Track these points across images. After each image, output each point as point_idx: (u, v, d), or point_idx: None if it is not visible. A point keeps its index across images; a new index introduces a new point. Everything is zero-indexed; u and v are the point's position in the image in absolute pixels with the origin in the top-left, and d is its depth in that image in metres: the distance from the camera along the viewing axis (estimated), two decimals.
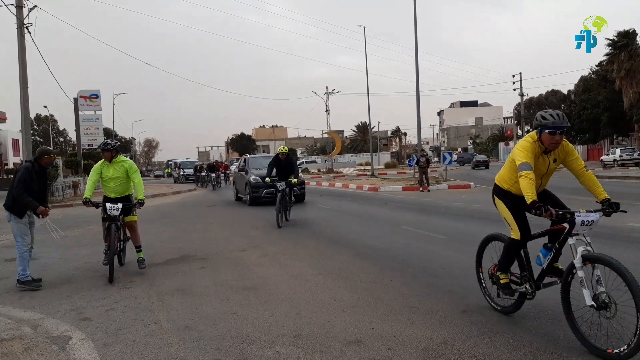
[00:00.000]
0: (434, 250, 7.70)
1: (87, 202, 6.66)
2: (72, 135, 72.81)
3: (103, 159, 6.81)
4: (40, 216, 6.15)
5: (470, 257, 7.03)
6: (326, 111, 57.75)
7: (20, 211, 6.09)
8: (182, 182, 39.41)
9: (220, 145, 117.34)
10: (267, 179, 11.59)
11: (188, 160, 50.92)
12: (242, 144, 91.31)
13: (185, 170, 41.67)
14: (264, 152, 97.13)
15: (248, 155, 19.53)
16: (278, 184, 10.97)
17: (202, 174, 32.54)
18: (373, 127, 63.06)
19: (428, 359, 3.57)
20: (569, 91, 63.53)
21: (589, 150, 51.13)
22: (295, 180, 11.77)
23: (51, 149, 6.67)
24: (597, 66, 42.51)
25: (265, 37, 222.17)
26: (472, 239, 8.57)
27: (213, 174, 29.48)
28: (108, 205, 6.52)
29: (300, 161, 69.85)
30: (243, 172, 17.55)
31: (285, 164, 11.64)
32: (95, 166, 6.94)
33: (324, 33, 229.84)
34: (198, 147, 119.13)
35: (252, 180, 16.06)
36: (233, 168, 36.09)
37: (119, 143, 7.09)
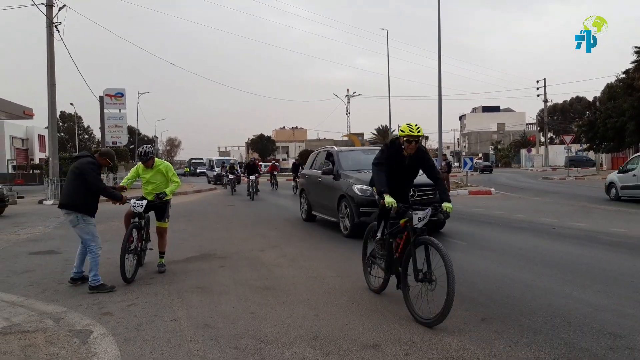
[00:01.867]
0: (454, 256, 7.56)
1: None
2: (96, 133, 74.17)
3: (140, 163, 6.86)
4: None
5: (491, 263, 6.98)
6: (347, 114, 57.77)
7: (94, 210, 6.01)
8: (224, 184, 30.62)
9: (241, 146, 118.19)
10: (373, 193, 5.44)
11: (226, 159, 43.31)
12: (262, 144, 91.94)
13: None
14: (286, 154, 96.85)
15: (335, 148, 12.15)
16: (416, 217, 4.67)
17: (231, 176, 25.76)
18: (393, 131, 62.76)
19: None
20: (594, 98, 62.44)
21: (614, 158, 50.11)
22: (450, 207, 5.03)
23: (114, 156, 6.64)
24: (623, 73, 41.70)
25: (286, 38, 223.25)
26: (493, 245, 8.50)
27: (252, 177, 21.28)
28: (133, 200, 6.47)
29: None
30: (330, 177, 10.53)
31: (409, 164, 5.34)
32: (134, 168, 7.00)
33: (345, 35, 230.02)
34: (219, 147, 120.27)
35: (356, 192, 9.11)
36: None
37: (152, 147, 7.08)
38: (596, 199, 17.92)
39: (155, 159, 6.88)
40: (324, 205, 11.19)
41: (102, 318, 4.78)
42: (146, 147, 6.89)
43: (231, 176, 25.74)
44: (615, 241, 8.62)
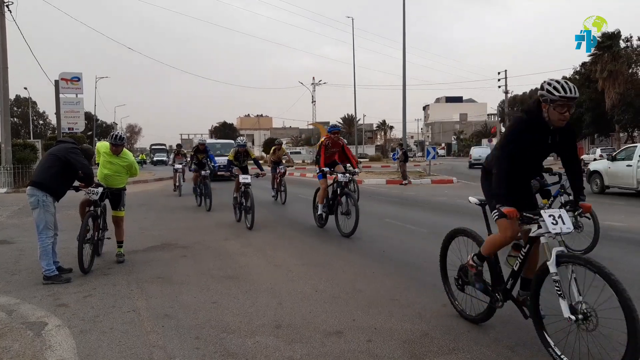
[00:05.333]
0: (416, 243, 7.74)
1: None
2: (51, 118, 71.52)
3: (109, 145, 6.59)
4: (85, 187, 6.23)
5: (451, 252, 7.09)
6: (312, 102, 57.59)
7: (61, 194, 5.91)
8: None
9: (204, 133, 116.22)
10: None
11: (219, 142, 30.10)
12: (225, 132, 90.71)
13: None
14: (252, 142, 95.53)
15: None
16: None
17: (204, 172, 13.31)
18: (359, 120, 63.10)
19: (408, 352, 3.59)
20: None
21: None
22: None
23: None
24: (580, 66, 43.18)
25: (252, 25, 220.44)
26: None
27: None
28: (88, 188, 6.23)
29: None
30: None
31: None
32: (101, 148, 6.71)
33: (311, 23, 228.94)
34: (181, 134, 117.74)
35: None
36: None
37: (125, 138, 6.88)
38: None
39: (125, 149, 6.70)
40: None
41: (57, 310, 4.62)
42: (122, 133, 6.82)
43: (234, 169, 11.08)
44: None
